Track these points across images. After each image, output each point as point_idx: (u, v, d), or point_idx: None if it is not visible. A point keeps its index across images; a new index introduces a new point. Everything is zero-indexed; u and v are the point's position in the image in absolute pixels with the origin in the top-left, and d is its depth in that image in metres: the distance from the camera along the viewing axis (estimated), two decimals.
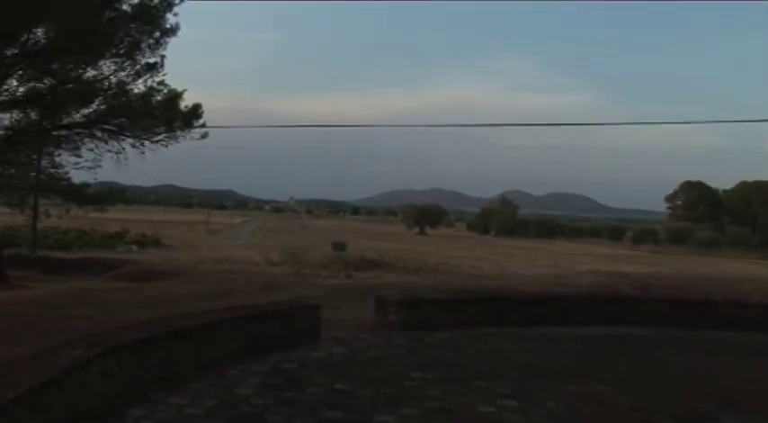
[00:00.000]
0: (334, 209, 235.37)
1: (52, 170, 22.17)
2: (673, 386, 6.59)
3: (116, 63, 15.59)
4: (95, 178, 21.88)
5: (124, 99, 16.27)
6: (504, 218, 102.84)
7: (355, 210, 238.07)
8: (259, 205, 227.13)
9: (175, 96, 16.91)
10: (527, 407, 5.70)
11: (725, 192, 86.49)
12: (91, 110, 16.65)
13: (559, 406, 5.74)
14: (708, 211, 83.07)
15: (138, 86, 16.30)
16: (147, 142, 17.86)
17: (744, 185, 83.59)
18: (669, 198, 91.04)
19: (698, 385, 6.69)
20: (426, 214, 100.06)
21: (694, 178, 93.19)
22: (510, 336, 8.84)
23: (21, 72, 15.39)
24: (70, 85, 15.40)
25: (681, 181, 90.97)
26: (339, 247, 25.93)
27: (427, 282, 19.26)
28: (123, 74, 15.82)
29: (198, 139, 17.81)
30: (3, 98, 15.63)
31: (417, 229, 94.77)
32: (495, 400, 5.87)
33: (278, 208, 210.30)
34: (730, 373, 7.36)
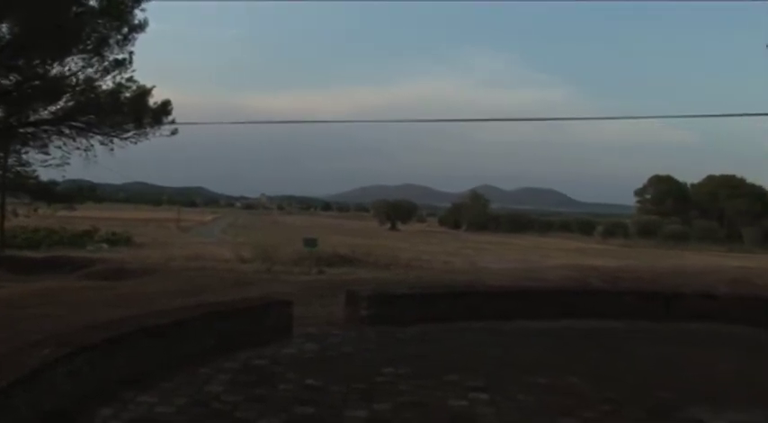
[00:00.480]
0: (306, 205, 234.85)
1: (19, 168, 21.87)
2: (643, 377, 6.66)
3: (84, 59, 15.39)
4: (64, 176, 21.58)
5: (92, 96, 16.07)
6: (475, 213, 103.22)
7: (327, 206, 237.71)
8: (230, 202, 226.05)
9: (144, 93, 16.73)
10: (498, 400, 5.74)
11: (693, 186, 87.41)
12: (58, 107, 16.44)
13: (530, 398, 5.79)
14: (676, 205, 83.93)
15: (107, 83, 16.10)
16: (116, 139, 17.67)
17: (711, 180, 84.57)
18: (638, 192, 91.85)
19: (668, 376, 6.77)
20: (398, 210, 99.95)
21: (663, 173, 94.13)
22: (482, 330, 8.88)
23: None
24: (37, 82, 15.19)
25: (650, 175, 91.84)
26: (310, 243, 25.83)
27: (399, 277, 19.30)
28: (91, 70, 15.62)
29: (167, 135, 17.66)
30: None
31: (389, 225, 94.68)
32: (466, 393, 5.90)
33: (249, 205, 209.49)
34: (700, 363, 7.45)
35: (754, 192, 78.89)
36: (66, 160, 19.10)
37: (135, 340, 6.18)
